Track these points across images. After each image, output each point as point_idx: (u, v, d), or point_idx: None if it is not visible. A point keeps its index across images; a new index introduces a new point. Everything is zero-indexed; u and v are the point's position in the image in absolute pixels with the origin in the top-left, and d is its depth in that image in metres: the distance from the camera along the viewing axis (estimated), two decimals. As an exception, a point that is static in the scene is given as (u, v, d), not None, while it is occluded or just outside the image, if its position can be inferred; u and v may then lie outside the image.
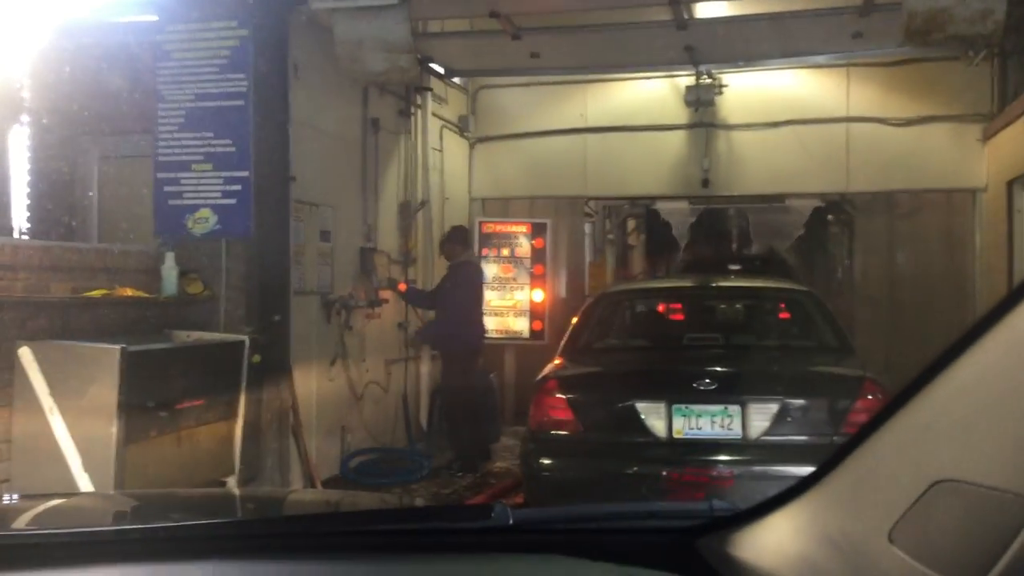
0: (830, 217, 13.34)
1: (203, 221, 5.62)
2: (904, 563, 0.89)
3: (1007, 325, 0.86)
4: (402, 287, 7.93)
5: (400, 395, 8.30)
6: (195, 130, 5.68)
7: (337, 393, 7.22)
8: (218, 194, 5.62)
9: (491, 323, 9.55)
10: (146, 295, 5.24)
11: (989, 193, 9.04)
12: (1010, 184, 8.33)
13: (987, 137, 8.99)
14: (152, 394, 4.53)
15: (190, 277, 5.55)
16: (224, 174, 5.62)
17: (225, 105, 5.65)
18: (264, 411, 5.59)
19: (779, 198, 11.03)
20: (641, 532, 1.37)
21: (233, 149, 5.62)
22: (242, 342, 5.20)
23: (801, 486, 1.15)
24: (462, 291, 7.76)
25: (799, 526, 1.11)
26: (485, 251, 9.54)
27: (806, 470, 1.16)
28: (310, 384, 6.75)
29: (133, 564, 1.28)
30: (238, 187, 5.60)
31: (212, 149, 5.66)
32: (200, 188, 5.66)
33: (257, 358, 5.28)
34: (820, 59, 8.88)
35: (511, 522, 1.34)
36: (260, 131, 5.70)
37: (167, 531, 1.42)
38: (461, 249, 7.95)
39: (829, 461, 1.09)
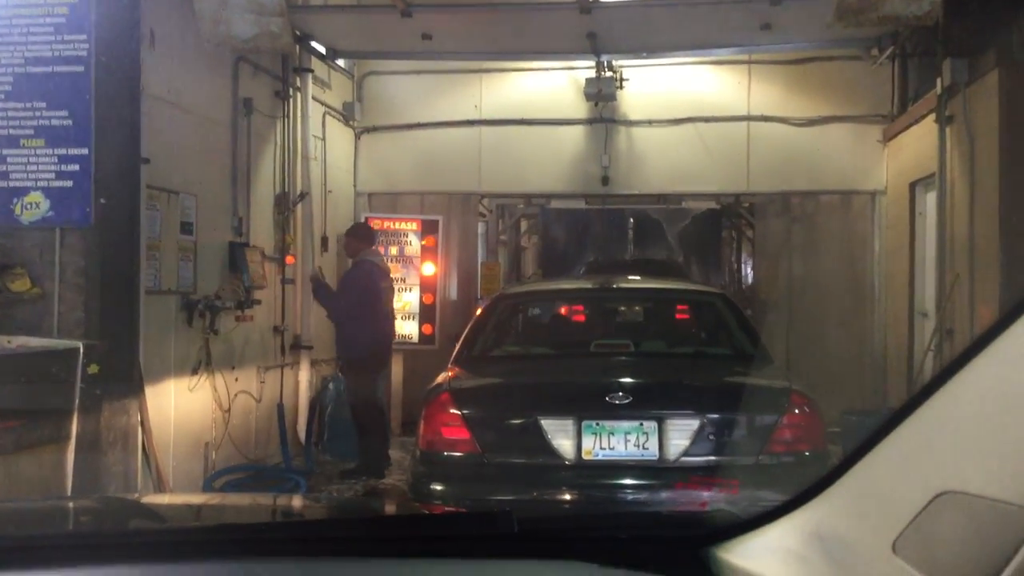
0: (727, 220, 13.18)
1: (33, 207, 4.76)
2: (908, 574, 0.89)
3: (1010, 337, 0.86)
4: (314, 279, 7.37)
5: (275, 406, 7.51)
6: (25, 100, 4.81)
7: (200, 405, 6.41)
8: (51, 175, 4.77)
9: (378, 327, 8.87)
10: (-43, 293, 4.36)
11: (889, 195, 8.91)
12: (912, 186, 8.18)
13: (888, 139, 8.86)
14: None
15: (15, 272, 4.68)
16: (59, 152, 4.78)
17: (61, 72, 4.80)
18: (104, 430, 4.75)
19: (677, 199, 10.73)
20: (645, 539, 1.36)
21: (70, 123, 4.78)
22: (76, 349, 4.37)
23: (804, 496, 1.14)
24: (364, 291, 7.17)
25: (802, 536, 1.11)
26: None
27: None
28: (167, 396, 5.93)
29: (130, 565, 1.27)
30: (75, 167, 4.76)
31: (45, 122, 4.80)
32: (30, 168, 4.80)
33: (95, 367, 4.46)
34: (723, 54, 8.61)
35: (516, 529, 1.34)
36: (104, 104, 4.87)
37: (159, 534, 1.50)
38: (364, 246, 7.35)
39: (832, 472, 1.09)
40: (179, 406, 6.10)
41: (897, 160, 8.71)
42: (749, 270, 12.25)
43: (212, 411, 6.58)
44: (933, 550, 0.88)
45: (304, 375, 7.95)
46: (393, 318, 7.76)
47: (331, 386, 8.00)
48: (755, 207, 9.86)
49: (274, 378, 7.58)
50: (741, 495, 3.94)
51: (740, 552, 1.20)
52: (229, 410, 6.77)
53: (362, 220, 8.79)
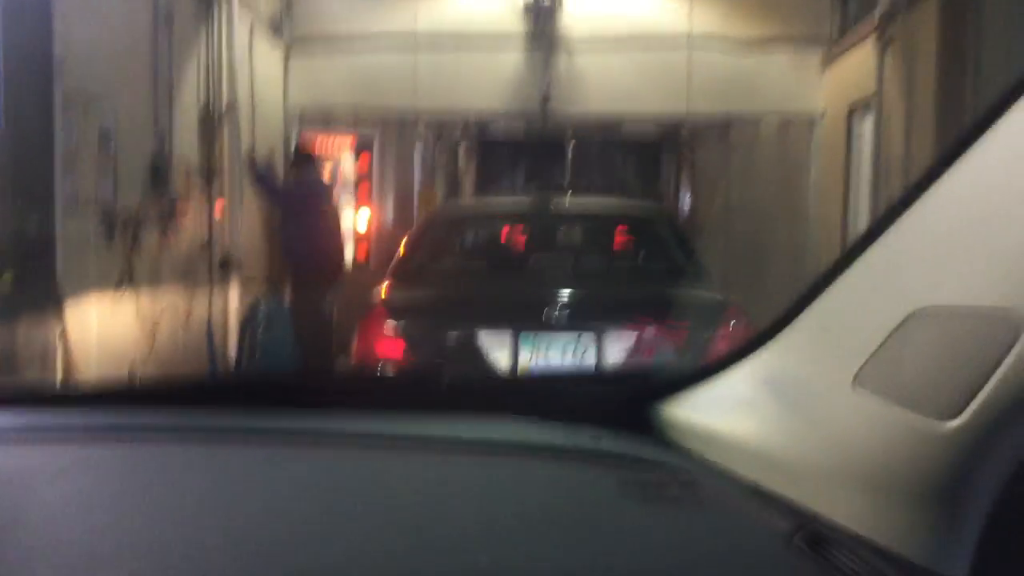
0: (665, 145, 13.14)
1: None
2: (871, 404, 0.84)
3: (989, 138, 0.79)
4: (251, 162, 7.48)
5: (203, 326, 7.31)
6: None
7: (124, 324, 6.18)
8: (-46, 76, 4.44)
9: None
10: None
11: (828, 119, 8.94)
12: (851, 110, 8.20)
13: (827, 62, 8.84)
14: None
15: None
16: (-38, 51, 4.44)
17: (-39, -40, 4.43)
18: (22, 344, 4.53)
19: (616, 123, 10.63)
20: (589, 393, 1.32)
21: (-27, 19, 4.44)
22: (-15, 258, 4.12)
23: (756, 342, 1.07)
24: (304, 201, 7.34)
25: (753, 382, 1.05)
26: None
27: None
28: (88, 313, 5.68)
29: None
30: (-20, 64, 4.44)
31: (-55, 16, 4.45)
32: (-70, 67, 4.46)
33: (8, 276, 4.23)
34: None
35: (449, 382, 1.33)
36: (12, 2, 4.52)
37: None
38: (311, 170, 7.59)
39: (787, 313, 1.01)
40: (101, 324, 5.86)
41: (836, 84, 8.71)
42: (687, 196, 12.27)
43: (137, 330, 6.36)
44: (902, 375, 0.82)
45: (234, 294, 7.74)
46: (340, 239, 7.68)
47: (262, 306, 7.81)
48: (695, 133, 9.82)
49: (203, 297, 7.36)
50: (672, 350, 3.97)
51: (687, 405, 1.15)
52: (155, 329, 6.56)
53: (293, 138, 8.53)
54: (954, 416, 0.75)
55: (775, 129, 9.19)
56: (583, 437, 1.15)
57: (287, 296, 7.46)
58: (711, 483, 1.00)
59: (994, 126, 0.79)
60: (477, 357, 4.15)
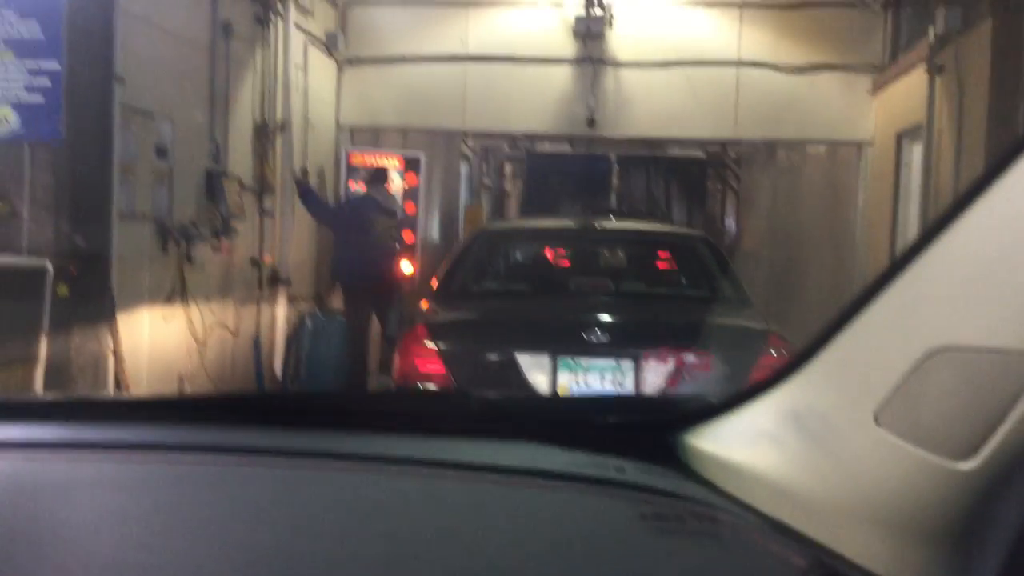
0: (712, 170, 13.08)
1: (1, 121, 4.61)
2: (890, 444, 0.84)
3: (1010, 178, 0.80)
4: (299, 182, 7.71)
5: (251, 341, 7.44)
6: (-7, 10, 4.63)
7: (175, 337, 6.32)
8: (21, 89, 4.60)
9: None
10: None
11: (876, 146, 8.85)
12: (899, 137, 8.12)
13: (877, 88, 8.77)
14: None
15: (-17, 189, 4.55)
16: (29, 65, 4.61)
17: (31, -20, 4.61)
18: (75, 354, 4.67)
19: (662, 146, 10.62)
20: (610, 423, 1.30)
21: (40, 35, 4.60)
22: (44, 269, 4.26)
23: (781, 375, 1.06)
24: (350, 216, 7.67)
25: (776, 416, 1.04)
26: (352, 184, 8.72)
27: None
28: (140, 325, 5.83)
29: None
30: (46, 82, 4.60)
31: (15, 34, 4.62)
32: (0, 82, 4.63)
33: (64, 289, 4.36)
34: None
35: (473, 408, 1.34)
36: (76, 17, 4.69)
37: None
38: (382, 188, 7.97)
39: (811, 346, 1.01)
40: (153, 336, 6.01)
41: (885, 111, 8.64)
42: (733, 221, 12.18)
43: (187, 343, 6.49)
44: (920, 415, 0.82)
45: (281, 310, 7.87)
46: (390, 255, 7.79)
47: (309, 322, 7.92)
48: (741, 157, 9.79)
49: (251, 312, 7.50)
50: (713, 379, 3.96)
51: (710, 437, 1.15)
52: (204, 343, 6.69)
53: (344, 155, 8.68)
54: (971, 457, 0.75)
55: (822, 155, 9.12)
56: (606, 466, 1.15)
57: (355, 315, 7.65)
58: (731, 517, 1.00)
59: (1016, 162, 0.79)
60: (515, 379, 4.18)
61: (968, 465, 0.76)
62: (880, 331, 0.91)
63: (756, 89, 8.99)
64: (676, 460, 1.17)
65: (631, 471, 1.14)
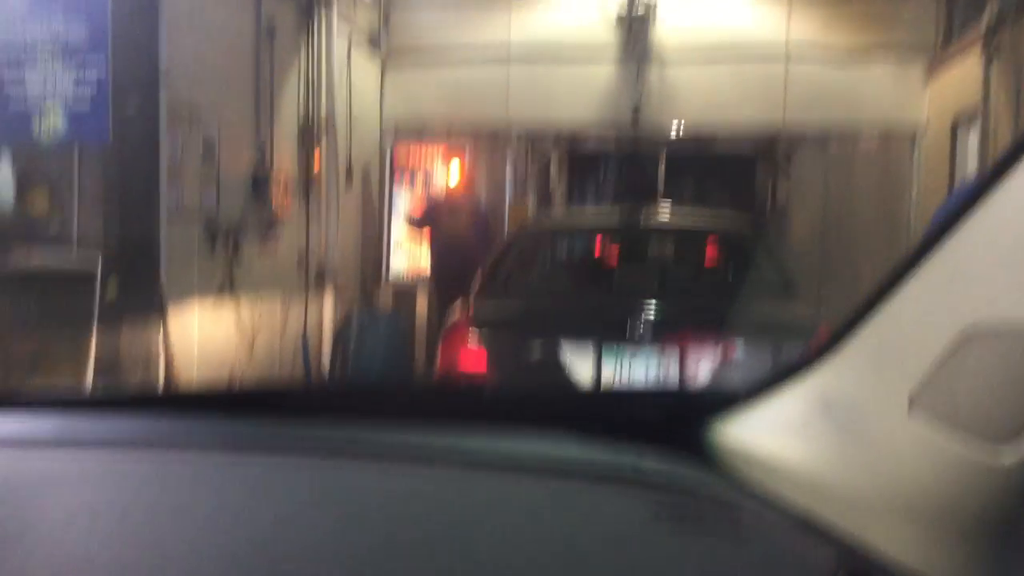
0: (761, 162, 12.86)
1: (50, 124, 4.69)
2: (925, 433, 0.79)
3: None
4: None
5: (299, 337, 7.51)
6: (40, 14, 4.72)
7: (224, 334, 6.40)
8: (68, 91, 4.69)
9: (403, 263, 8.85)
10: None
11: (930, 134, 8.63)
12: (954, 123, 7.90)
13: (930, 75, 8.55)
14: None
15: (33, 191, 4.64)
16: (76, 68, 4.69)
17: (77, -16, 4.69)
18: (125, 353, 4.74)
19: (710, 139, 10.46)
20: (637, 409, 1.25)
21: (86, 38, 4.68)
22: (93, 269, 4.33)
23: (811, 361, 1.01)
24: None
25: (806, 404, 1.00)
26: (398, 179, 8.77)
27: None
28: (190, 323, 5.91)
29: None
30: (92, 84, 4.68)
31: (61, 37, 4.71)
32: (47, 84, 4.72)
33: (114, 289, 4.43)
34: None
35: (488, 397, 1.33)
36: (122, 19, 4.76)
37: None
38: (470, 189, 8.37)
39: (843, 328, 0.96)
40: (202, 334, 6.09)
41: (940, 95, 8.41)
42: (783, 213, 11.97)
43: (236, 340, 6.57)
44: (957, 396, 0.77)
45: (328, 308, 7.93)
46: (471, 250, 7.78)
47: (356, 319, 7.98)
48: (791, 147, 9.60)
49: (298, 309, 7.56)
50: (760, 370, 3.87)
51: (736, 427, 1.10)
52: (253, 340, 6.77)
53: (389, 151, 8.74)
54: (1011, 446, 0.71)
55: (875, 142, 8.92)
56: (626, 456, 1.11)
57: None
58: (756, 511, 0.96)
59: None
60: (557, 371, 4.15)
61: (1008, 457, 0.71)
62: (912, 312, 0.86)
63: (805, 79, 8.82)
64: (700, 452, 1.13)
65: (650, 464, 1.10)
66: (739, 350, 4.19)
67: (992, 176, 0.79)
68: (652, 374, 4.12)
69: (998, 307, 0.75)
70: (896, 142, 8.87)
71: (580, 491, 1.03)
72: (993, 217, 0.79)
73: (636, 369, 4.13)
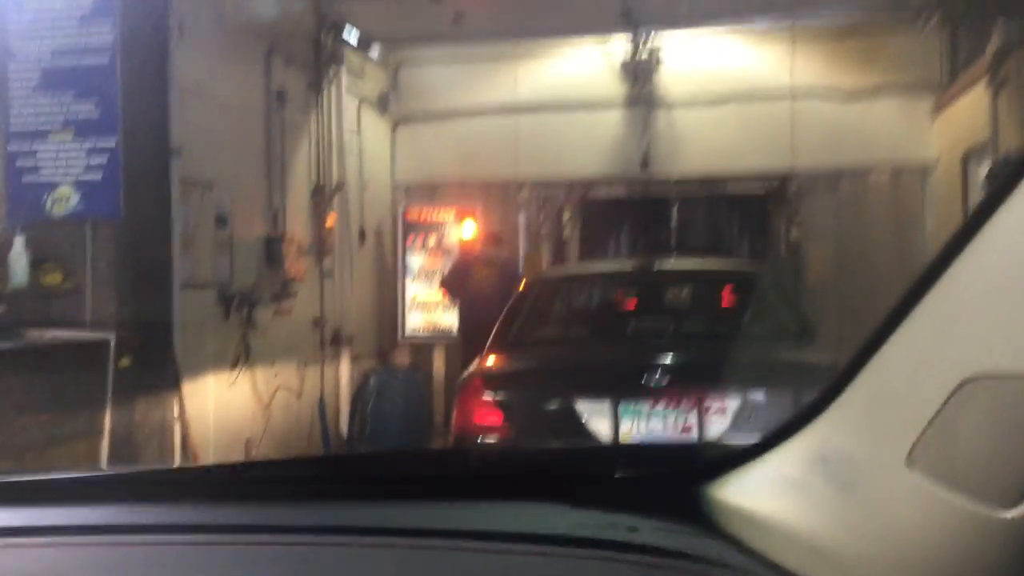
0: (771, 204, 12.85)
1: (63, 200, 4.75)
2: (924, 489, 0.76)
3: None
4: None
5: (316, 401, 7.49)
6: (52, 92, 4.81)
7: (240, 401, 6.38)
8: (80, 168, 4.76)
9: (418, 319, 8.84)
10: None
11: (941, 168, 8.60)
12: (965, 157, 7.87)
13: (938, 109, 8.54)
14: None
15: (47, 266, 4.68)
16: (87, 144, 4.76)
17: (87, 63, 4.78)
18: (139, 424, 4.73)
19: (720, 183, 10.48)
20: (624, 476, 1.20)
21: (97, 115, 4.76)
22: (107, 342, 4.34)
23: (806, 416, 0.99)
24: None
25: (803, 461, 0.97)
26: (411, 240, 8.80)
27: None
28: (205, 391, 5.90)
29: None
30: (104, 159, 4.74)
31: (73, 115, 4.79)
32: (59, 161, 4.79)
33: (127, 360, 4.44)
34: (764, 24, 8.33)
35: (475, 466, 1.29)
36: (132, 95, 4.85)
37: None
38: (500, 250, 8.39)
39: (838, 381, 0.93)
40: (218, 402, 6.08)
41: (948, 132, 8.39)
42: (796, 255, 11.92)
43: (252, 407, 6.55)
44: (956, 453, 0.74)
45: (345, 369, 7.92)
46: (490, 304, 7.76)
47: (373, 380, 7.95)
48: (801, 188, 9.58)
49: (314, 373, 7.55)
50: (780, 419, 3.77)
51: (734, 487, 1.05)
52: (269, 406, 6.75)
53: (401, 212, 8.79)
54: (1012, 501, 0.68)
55: (886, 180, 8.89)
56: (618, 526, 1.06)
57: None
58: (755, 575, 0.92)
59: None
60: (574, 428, 4.09)
61: (1010, 512, 0.68)
62: (907, 363, 0.83)
63: (812, 118, 8.83)
64: (698, 514, 1.08)
65: (645, 530, 1.05)
66: (761, 397, 4.12)
67: (976, 218, 0.76)
68: (671, 427, 4.05)
69: (995, 359, 0.72)
70: (907, 178, 8.84)
71: (567, 565, 0.99)
72: (982, 259, 0.76)
73: (654, 422, 4.07)
